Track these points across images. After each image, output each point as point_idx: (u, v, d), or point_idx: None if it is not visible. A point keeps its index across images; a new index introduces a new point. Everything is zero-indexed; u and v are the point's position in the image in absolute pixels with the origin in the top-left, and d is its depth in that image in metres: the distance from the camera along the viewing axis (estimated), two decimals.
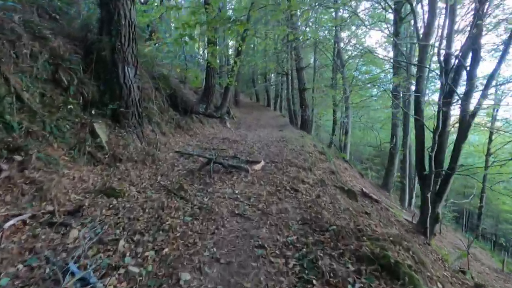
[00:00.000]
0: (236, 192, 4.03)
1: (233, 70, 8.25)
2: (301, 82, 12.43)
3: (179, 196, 3.70)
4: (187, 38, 4.76)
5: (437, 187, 5.10)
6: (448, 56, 5.06)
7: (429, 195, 4.83)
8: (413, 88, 8.29)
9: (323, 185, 4.63)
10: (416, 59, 13.81)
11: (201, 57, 17.63)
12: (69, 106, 4.13)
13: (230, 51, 22.13)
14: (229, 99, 8.75)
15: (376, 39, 24.46)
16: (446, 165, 5.22)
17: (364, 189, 6.32)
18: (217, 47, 7.96)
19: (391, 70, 17.79)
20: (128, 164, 4.46)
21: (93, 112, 4.54)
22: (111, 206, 3.26)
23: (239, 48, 8.11)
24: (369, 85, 20.10)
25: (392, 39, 13.09)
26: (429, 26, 5.27)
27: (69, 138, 3.88)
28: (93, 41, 4.87)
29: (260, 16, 9.63)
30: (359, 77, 19.90)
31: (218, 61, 17.31)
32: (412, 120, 12.08)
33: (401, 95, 12.13)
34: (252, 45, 23.23)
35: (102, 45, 4.71)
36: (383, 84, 19.53)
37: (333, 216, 3.37)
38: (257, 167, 5.03)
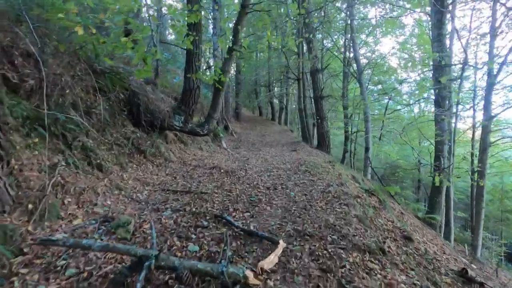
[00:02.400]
0: None
1: (226, 62, 5.35)
2: (317, 88, 9.54)
3: None
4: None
5: None
6: None
7: None
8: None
9: None
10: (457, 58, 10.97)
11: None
12: None
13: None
14: (220, 107, 5.81)
15: (388, 48, 21.78)
16: None
17: (470, 273, 3.14)
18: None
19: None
20: None
21: None
22: None
23: (236, 35, 5.26)
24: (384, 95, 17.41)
25: (430, 32, 10.33)
26: None
27: None
28: None
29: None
30: (373, 88, 17.23)
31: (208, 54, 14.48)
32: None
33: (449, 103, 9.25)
34: (254, 55, 20.77)
35: None
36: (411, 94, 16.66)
37: None
38: (268, 263, 1.95)
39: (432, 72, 11.09)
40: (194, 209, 3.06)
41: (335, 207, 3.16)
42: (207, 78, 4.25)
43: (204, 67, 9.56)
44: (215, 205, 3.28)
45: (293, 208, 3.19)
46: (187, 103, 5.23)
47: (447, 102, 9.40)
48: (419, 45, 16.28)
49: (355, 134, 15.38)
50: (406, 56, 17.40)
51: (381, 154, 17.68)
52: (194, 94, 5.23)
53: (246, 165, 5.94)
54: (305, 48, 10.17)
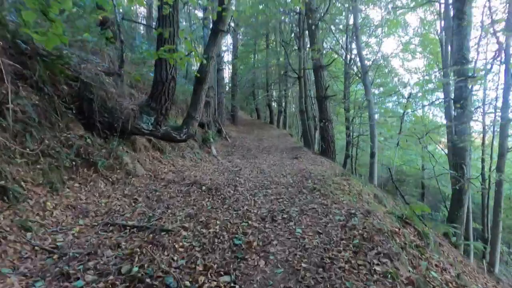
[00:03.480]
0: None
1: (210, 44, 4.09)
2: (321, 86, 8.32)
3: None
4: None
5: None
6: None
7: None
8: None
9: None
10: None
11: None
12: None
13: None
14: (202, 105, 4.54)
15: (390, 49, 20.72)
16: None
17: None
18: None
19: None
20: None
21: None
22: None
23: (222, 13, 4.02)
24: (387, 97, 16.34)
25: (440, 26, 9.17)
26: None
27: None
28: None
29: None
30: (374, 90, 16.12)
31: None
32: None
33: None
34: (252, 55, 19.60)
35: None
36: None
37: None
38: None
39: (447, 69, 9.96)
40: (135, 271, 1.77)
41: (372, 264, 1.88)
42: (179, 60, 2.98)
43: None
44: (175, 256, 1.99)
45: (303, 263, 1.91)
46: (158, 99, 3.95)
47: (467, 102, 8.21)
48: (423, 46, 15.15)
49: (356, 138, 14.19)
50: (409, 57, 16.37)
51: (383, 159, 16.48)
52: (168, 87, 3.96)
53: (237, 178, 4.66)
54: (307, 41, 8.98)
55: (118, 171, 3.65)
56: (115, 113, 3.75)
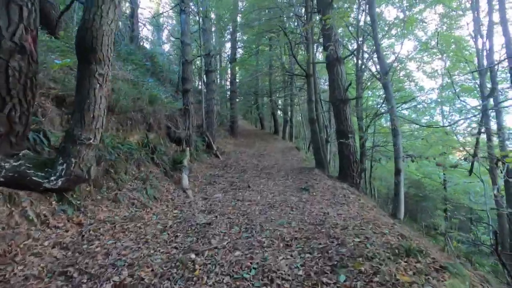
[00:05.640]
0: None
1: None
2: (338, 86, 5.95)
3: None
4: None
5: None
6: None
7: None
8: None
9: None
10: None
11: None
12: None
13: None
14: (97, 111, 2.18)
15: (408, 50, 18.25)
16: None
17: None
18: None
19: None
20: None
21: None
22: None
23: None
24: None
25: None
26: None
27: None
28: None
29: None
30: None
31: None
32: None
33: None
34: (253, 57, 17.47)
35: None
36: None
37: None
38: None
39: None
40: None
41: None
42: None
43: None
44: None
45: None
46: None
47: None
48: (447, 42, 12.58)
49: (370, 149, 11.69)
50: (427, 58, 13.89)
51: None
52: (20, 75, 1.70)
53: (191, 256, 2.29)
54: (316, 32, 6.68)
55: None
56: None
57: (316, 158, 6.90)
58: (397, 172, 9.06)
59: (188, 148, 6.15)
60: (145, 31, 16.74)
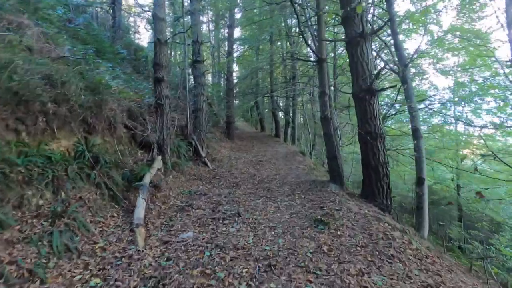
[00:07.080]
0: None
1: None
2: (363, 72, 4.31)
3: None
4: None
5: None
6: None
7: None
8: None
9: None
10: None
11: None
12: None
13: None
14: None
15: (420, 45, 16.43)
16: None
17: None
18: None
19: None
20: None
21: None
22: None
23: None
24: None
25: None
26: None
27: None
28: None
29: None
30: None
31: None
32: None
33: None
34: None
35: None
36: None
37: None
38: None
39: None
40: None
41: None
42: None
43: None
44: None
45: None
46: None
47: None
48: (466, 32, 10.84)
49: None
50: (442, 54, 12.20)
51: (404, 173, 12.42)
52: None
53: None
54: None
55: None
56: None
57: (331, 170, 5.23)
58: (420, 182, 7.34)
59: (159, 157, 4.51)
60: (134, 24, 15.20)
